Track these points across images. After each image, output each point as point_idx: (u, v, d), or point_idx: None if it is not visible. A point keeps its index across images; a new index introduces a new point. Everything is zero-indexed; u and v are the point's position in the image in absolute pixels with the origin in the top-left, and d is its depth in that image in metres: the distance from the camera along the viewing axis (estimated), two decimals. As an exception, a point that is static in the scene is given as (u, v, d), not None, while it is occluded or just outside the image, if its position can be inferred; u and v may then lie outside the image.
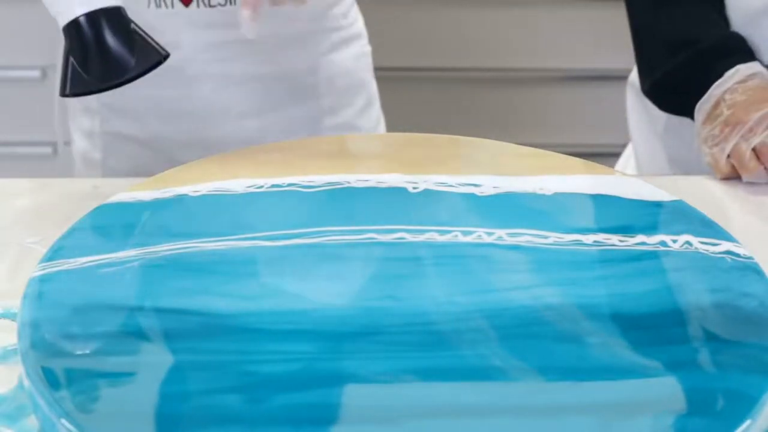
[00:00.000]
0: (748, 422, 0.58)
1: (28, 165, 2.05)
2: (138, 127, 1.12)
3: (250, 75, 1.09)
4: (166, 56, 0.86)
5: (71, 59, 0.83)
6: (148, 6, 1.05)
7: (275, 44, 1.09)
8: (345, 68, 1.16)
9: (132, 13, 1.02)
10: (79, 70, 0.83)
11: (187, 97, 1.09)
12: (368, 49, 1.20)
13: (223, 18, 1.05)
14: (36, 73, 1.98)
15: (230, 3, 1.05)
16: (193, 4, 1.05)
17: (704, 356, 0.64)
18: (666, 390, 0.61)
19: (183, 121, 1.10)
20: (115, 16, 0.83)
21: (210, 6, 1.05)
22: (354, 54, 1.17)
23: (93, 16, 0.82)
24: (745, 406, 0.59)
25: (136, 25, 0.85)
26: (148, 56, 0.85)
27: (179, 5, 1.05)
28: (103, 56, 0.83)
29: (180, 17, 1.06)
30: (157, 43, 0.86)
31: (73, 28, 0.82)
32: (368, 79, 1.21)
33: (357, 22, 1.19)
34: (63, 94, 0.84)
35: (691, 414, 0.59)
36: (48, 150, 2.05)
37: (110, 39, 0.83)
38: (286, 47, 1.10)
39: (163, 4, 1.05)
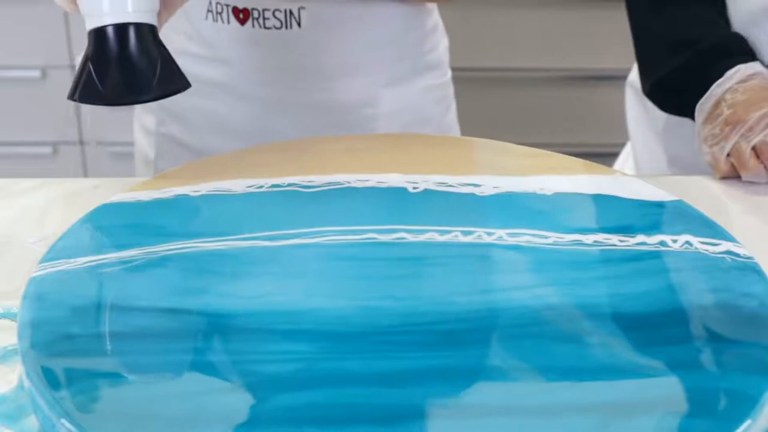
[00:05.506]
0: (748, 422, 0.58)
1: (28, 165, 2.06)
2: (189, 134, 1.11)
3: (302, 102, 1.06)
4: (187, 87, 0.80)
5: (90, 65, 0.77)
6: (206, 18, 1.03)
7: (331, 73, 1.05)
8: (410, 103, 1.10)
9: (188, 22, 1.00)
10: (95, 78, 0.77)
11: (236, 114, 1.07)
12: (444, 80, 1.13)
13: (277, 41, 1.03)
14: (36, 73, 1.98)
15: (286, 27, 1.01)
16: (248, 24, 1.02)
17: (704, 356, 0.64)
18: (666, 390, 0.61)
19: (230, 136, 1.07)
20: (145, 34, 0.77)
21: (265, 27, 1.02)
22: (424, 87, 1.11)
23: (122, 29, 0.77)
24: (745, 406, 0.59)
25: (164, 47, 0.79)
26: (169, 83, 0.79)
27: (235, 22, 1.02)
28: (123, 72, 0.77)
29: (234, 34, 1.03)
30: (181, 72, 0.80)
31: (99, 36, 0.77)
32: (438, 112, 1.13)
33: (435, 51, 1.12)
34: (71, 97, 0.79)
35: (692, 414, 0.59)
36: (48, 150, 2.05)
37: (135, 56, 0.77)
38: (342, 76, 1.06)
39: (219, 18, 1.03)
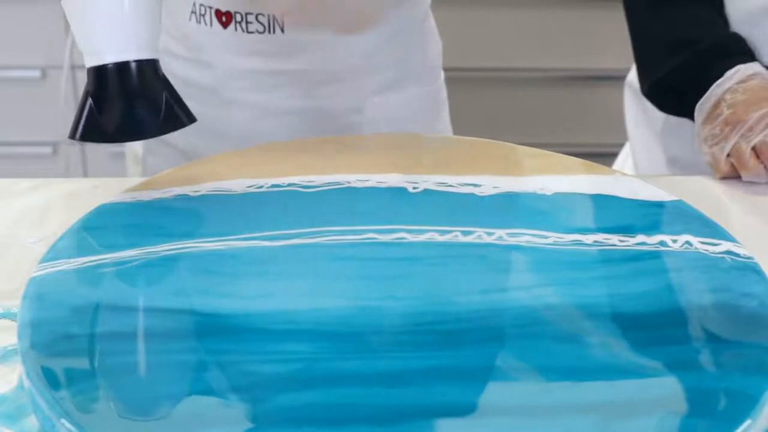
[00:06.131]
0: (748, 422, 0.58)
1: (28, 165, 2.05)
2: (178, 136, 1.09)
3: (286, 108, 1.05)
4: (193, 121, 0.79)
5: (90, 102, 0.74)
6: (189, 19, 1.02)
7: (317, 79, 1.04)
8: (399, 109, 1.08)
9: (174, 23, 0.98)
10: (98, 118, 0.74)
11: (223, 119, 1.06)
12: (435, 85, 1.11)
13: (261, 46, 1.01)
14: (36, 73, 1.98)
15: (269, 32, 1.00)
16: (231, 27, 1.00)
17: (704, 356, 0.64)
18: (666, 390, 0.61)
19: (219, 141, 1.06)
20: (148, 70, 0.74)
21: (248, 32, 1.00)
22: (414, 93, 1.09)
23: (123, 66, 0.73)
24: (745, 406, 0.59)
25: (167, 81, 0.77)
26: (174, 119, 0.76)
27: (217, 25, 1.01)
28: (126, 111, 0.74)
29: (217, 38, 1.02)
30: (185, 107, 0.78)
31: (99, 74, 0.74)
32: (429, 117, 1.11)
33: (425, 57, 1.10)
34: (72, 136, 0.75)
35: (692, 414, 0.59)
36: (48, 150, 2.05)
37: (138, 94, 0.74)
38: (328, 83, 1.04)
39: (202, 20, 1.01)
